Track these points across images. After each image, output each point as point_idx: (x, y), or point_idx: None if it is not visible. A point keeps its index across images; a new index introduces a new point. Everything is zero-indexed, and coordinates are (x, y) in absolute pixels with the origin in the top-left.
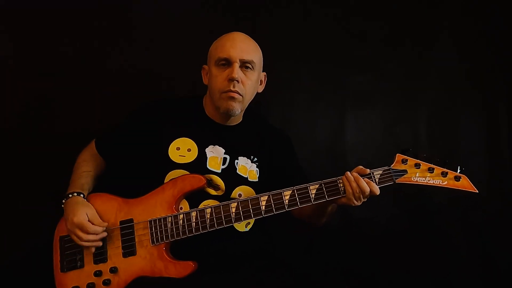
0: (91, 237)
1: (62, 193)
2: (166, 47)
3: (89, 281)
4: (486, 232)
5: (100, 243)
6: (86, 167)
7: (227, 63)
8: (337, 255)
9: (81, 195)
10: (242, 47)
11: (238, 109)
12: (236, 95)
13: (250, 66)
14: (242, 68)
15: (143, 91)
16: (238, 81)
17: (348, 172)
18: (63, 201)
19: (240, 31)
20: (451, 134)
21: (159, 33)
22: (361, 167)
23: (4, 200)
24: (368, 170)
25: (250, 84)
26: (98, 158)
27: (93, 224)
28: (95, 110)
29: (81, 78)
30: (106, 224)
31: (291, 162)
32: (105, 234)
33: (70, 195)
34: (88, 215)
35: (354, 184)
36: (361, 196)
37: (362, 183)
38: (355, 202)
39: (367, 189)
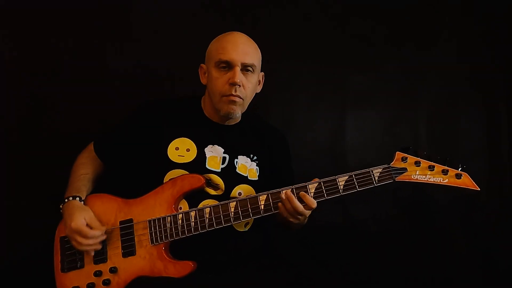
0: (90, 241)
1: (63, 193)
2: (166, 47)
3: (89, 281)
4: (486, 232)
5: (100, 246)
6: (84, 169)
7: (228, 66)
8: (336, 254)
9: (77, 198)
10: (244, 50)
11: (239, 111)
12: (237, 99)
13: (250, 69)
14: (243, 71)
15: (143, 91)
16: (239, 86)
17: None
18: (61, 205)
19: (240, 31)
20: (451, 134)
21: (159, 33)
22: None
23: (4, 200)
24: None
25: (250, 87)
26: (96, 160)
27: (91, 228)
28: (95, 110)
29: (81, 78)
30: (104, 227)
31: (285, 162)
32: (104, 237)
33: (67, 200)
34: (86, 219)
35: (288, 206)
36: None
37: (295, 202)
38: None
39: (300, 208)
